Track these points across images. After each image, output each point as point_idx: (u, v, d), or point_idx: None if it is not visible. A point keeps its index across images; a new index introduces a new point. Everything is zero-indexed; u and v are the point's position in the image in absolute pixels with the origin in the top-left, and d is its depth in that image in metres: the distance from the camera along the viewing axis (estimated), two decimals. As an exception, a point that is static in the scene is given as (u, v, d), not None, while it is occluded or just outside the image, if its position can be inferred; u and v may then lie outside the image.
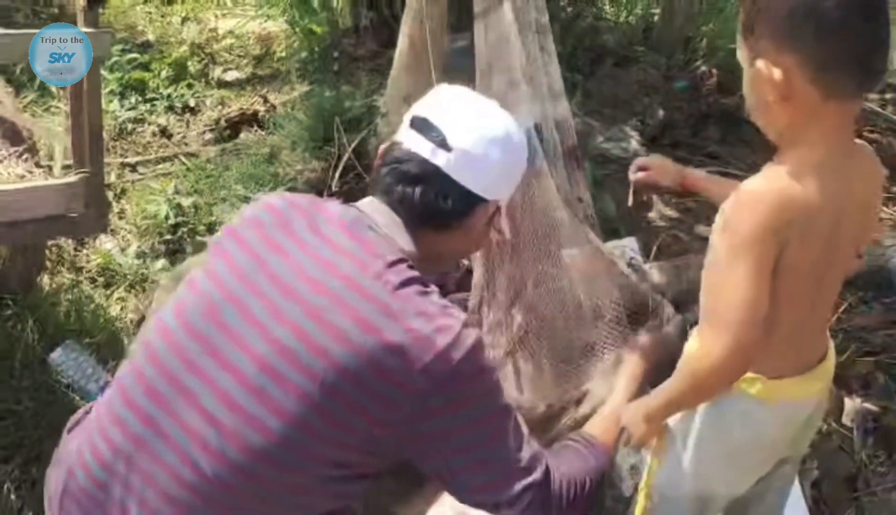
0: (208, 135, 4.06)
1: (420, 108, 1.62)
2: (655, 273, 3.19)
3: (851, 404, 2.65)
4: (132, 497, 1.47)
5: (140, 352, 1.54)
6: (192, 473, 1.43)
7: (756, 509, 1.90)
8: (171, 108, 4.21)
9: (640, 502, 1.90)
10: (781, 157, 1.54)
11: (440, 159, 1.56)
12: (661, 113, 4.44)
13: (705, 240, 3.57)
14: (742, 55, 1.55)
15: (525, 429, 1.59)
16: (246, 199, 3.52)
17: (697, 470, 1.75)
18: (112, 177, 3.65)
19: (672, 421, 1.77)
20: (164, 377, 1.48)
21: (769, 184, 1.50)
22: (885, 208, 3.78)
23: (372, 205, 1.61)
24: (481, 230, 1.66)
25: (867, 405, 2.66)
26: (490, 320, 2.66)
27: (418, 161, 1.56)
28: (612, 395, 1.95)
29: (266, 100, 4.27)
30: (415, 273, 1.51)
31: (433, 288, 1.53)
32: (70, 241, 3.20)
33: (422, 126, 1.58)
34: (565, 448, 1.71)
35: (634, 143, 4.29)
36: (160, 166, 3.80)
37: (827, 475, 2.53)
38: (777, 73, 1.46)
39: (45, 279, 3.04)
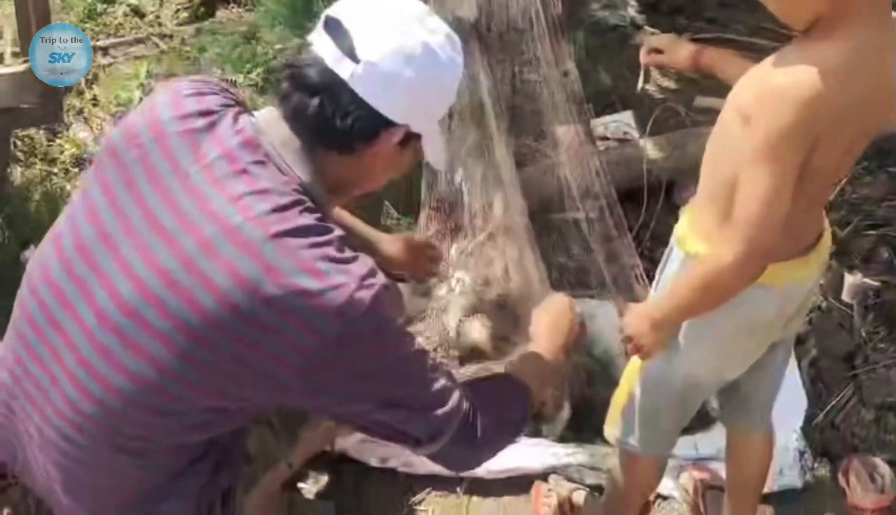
0: (183, 14, 3.86)
1: (338, 7, 1.41)
2: (650, 147, 3.07)
3: (852, 279, 2.58)
4: (33, 427, 1.45)
5: (24, 285, 1.47)
6: (71, 411, 1.39)
7: (748, 389, 1.85)
8: (143, -14, 4.00)
9: (623, 387, 1.87)
10: (813, 45, 1.39)
11: (344, 70, 1.35)
12: (660, -24, 4.22)
13: (705, 112, 3.48)
14: None
15: (443, 370, 1.49)
16: (224, 82, 3.37)
17: (688, 357, 1.70)
18: (83, 62, 3.49)
19: None
20: (44, 314, 1.41)
21: (799, 79, 1.36)
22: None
23: (271, 119, 1.42)
24: (390, 156, 1.46)
25: (867, 280, 2.58)
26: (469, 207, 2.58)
27: (320, 68, 1.36)
28: (534, 338, 1.79)
29: (244, -27, 4.05)
30: (309, 218, 1.35)
31: (332, 234, 1.36)
32: (41, 132, 3.08)
33: (333, 28, 1.38)
34: (488, 387, 1.62)
35: (632, 11, 4.09)
36: (133, 49, 3.63)
37: (825, 353, 2.48)
38: None
39: (17, 172, 2.93)
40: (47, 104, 1.98)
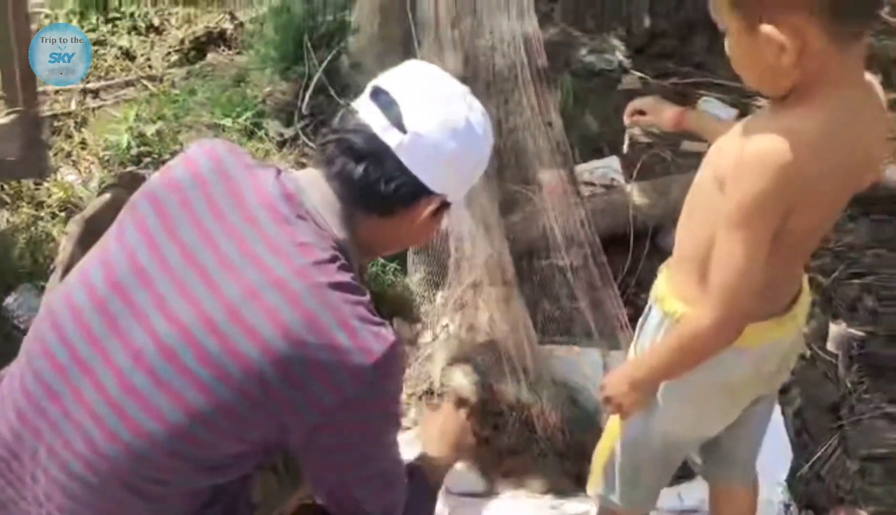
0: (174, 57, 3.88)
1: (384, 79, 1.48)
2: (636, 193, 3.08)
3: (837, 329, 2.58)
4: (39, 470, 1.43)
5: (45, 321, 1.46)
6: (89, 450, 1.39)
7: (729, 444, 1.84)
8: (134, 28, 4.01)
9: (604, 444, 1.86)
10: (788, 112, 1.40)
11: (392, 139, 1.41)
12: (647, 20, 4.26)
13: (691, 156, 3.49)
14: (728, 21, 1.39)
15: (402, 466, 1.58)
16: (212, 126, 3.38)
17: (666, 415, 1.70)
18: (72, 105, 3.51)
19: None
20: (68, 351, 1.41)
21: (772, 148, 1.36)
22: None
23: (310, 178, 1.47)
24: (424, 223, 1.51)
25: (852, 330, 2.58)
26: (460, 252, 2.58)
27: (368, 135, 1.42)
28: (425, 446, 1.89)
29: (234, 17, 4.07)
30: (346, 276, 1.39)
31: (365, 296, 1.41)
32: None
33: (381, 99, 1.44)
34: (417, 485, 1.67)
35: (619, 55, 4.12)
36: (123, 91, 3.65)
37: (810, 403, 2.48)
38: (788, 38, 1.31)
39: (4, 216, 2.93)
40: (31, 156, 1.98)
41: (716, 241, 1.44)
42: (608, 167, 3.37)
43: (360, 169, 1.42)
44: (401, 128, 1.42)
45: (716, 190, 1.46)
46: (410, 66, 1.53)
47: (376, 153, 1.42)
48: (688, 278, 1.59)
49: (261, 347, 1.32)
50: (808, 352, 2.57)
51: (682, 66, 4.10)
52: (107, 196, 1.98)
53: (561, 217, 2.58)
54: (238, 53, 3.90)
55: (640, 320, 1.77)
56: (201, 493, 1.47)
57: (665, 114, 1.93)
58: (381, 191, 1.43)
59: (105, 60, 3.85)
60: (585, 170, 3.35)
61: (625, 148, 2.32)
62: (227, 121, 3.39)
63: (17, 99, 1.95)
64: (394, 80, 1.48)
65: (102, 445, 1.38)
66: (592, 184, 3.20)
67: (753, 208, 1.38)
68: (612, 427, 1.82)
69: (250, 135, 3.37)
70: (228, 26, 4.02)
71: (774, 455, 2.28)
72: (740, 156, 1.40)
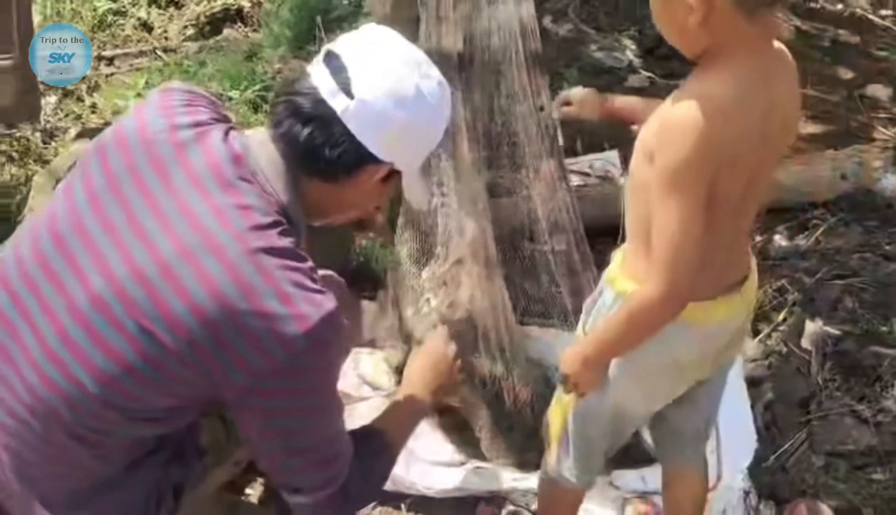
0: (190, 31, 3.97)
1: (339, 43, 1.49)
2: (630, 186, 3.10)
3: (812, 327, 2.60)
4: None
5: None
6: (30, 397, 1.43)
7: (677, 422, 1.86)
8: (154, 1, 4.11)
9: (556, 420, 1.88)
10: (704, 77, 1.45)
11: (339, 104, 1.42)
12: (660, 22, 4.28)
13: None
14: None
15: (345, 429, 1.57)
16: (219, 97, 3.45)
17: (615, 389, 1.73)
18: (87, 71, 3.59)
19: None
20: (12, 300, 1.46)
21: (695, 111, 1.40)
22: (883, 129, 3.66)
23: (259, 139, 1.47)
24: (371, 190, 1.51)
25: (828, 328, 2.60)
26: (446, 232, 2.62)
27: (316, 99, 1.43)
28: (407, 379, 1.90)
29: (252, -5, 4.15)
30: (286, 241, 1.40)
31: (306, 263, 1.41)
32: (38, 134, 3.17)
33: (332, 63, 1.44)
34: (365, 449, 1.65)
35: (629, 54, 4.15)
36: (137, 61, 3.73)
37: (781, 397, 2.50)
38: None
39: (10, 170, 3.01)
40: (24, 102, 2.05)
41: (652, 212, 1.47)
42: (607, 160, 3.40)
43: (305, 132, 1.42)
44: (348, 93, 1.41)
45: (644, 160, 1.50)
46: (368, 30, 1.53)
47: (322, 117, 1.42)
48: (636, 257, 1.62)
49: (190, 307, 1.33)
50: (784, 348, 2.59)
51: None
52: (75, 147, 2.03)
53: (547, 201, 2.61)
54: (253, 31, 3.98)
55: (588, 301, 1.80)
56: (144, 441, 1.50)
57: (589, 105, 1.99)
58: (324, 156, 1.43)
59: (123, 30, 3.94)
60: (585, 161, 3.39)
61: (559, 140, 2.38)
62: (235, 94, 3.46)
63: (14, 46, 2.01)
64: (348, 44, 1.48)
65: (42, 392, 1.42)
66: (588, 175, 3.23)
67: (678, 174, 1.42)
68: (564, 400, 1.85)
69: (256, 108, 3.44)
70: (246, 4, 4.10)
71: (738, 443, 2.30)
72: (662, 125, 1.45)
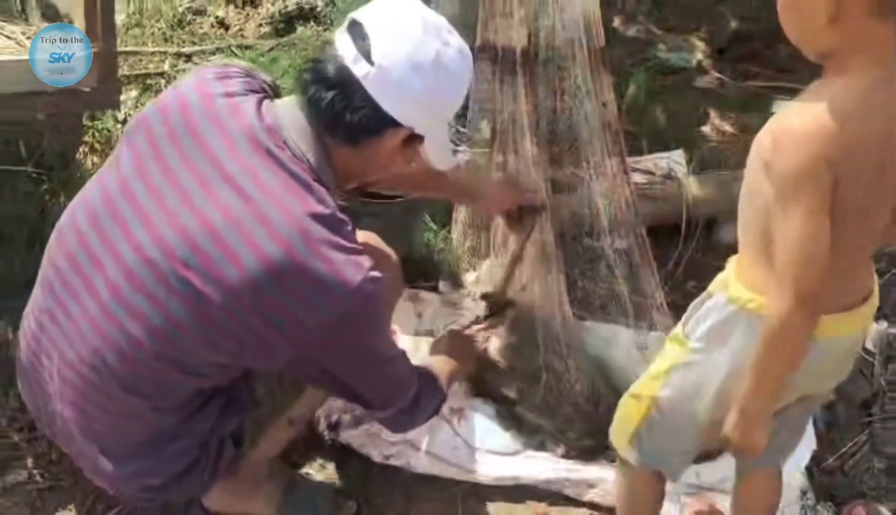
0: (265, 29, 4.07)
1: (363, 12, 1.54)
2: (695, 185, 3.09)
3: (876, 328, 2.54)
4: (54, 369, 1.59)
5: (54, 240, 1.62)
6: (88, 353, 1.53)
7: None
8: (231, 1, 4.22)
9: (640, 405, 1.82)
10: (825, 84, 1.41)
11: (360, 70, 1.47)
12: (732, 23, 4.24)
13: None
14: None
15: (406, 357, 1.72)
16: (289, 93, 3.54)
17: (719, 394, 1.66)
18: (166, 66, 3.71)
19: (699, 341, 1.66)
20: (70, 262, 1.56)
21: (811, 119, 1.37)
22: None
23: (287, 107, 1.54)
24: (391, 155, 1.57)
25: (892, 330, 2.55)
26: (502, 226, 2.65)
27: (338, 65, 1.49)
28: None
29: (326, -5, 4.24)
30: (324, 206, 1.47)
31: (344, 224, 1.49)
32: (119, 125, 3.29)
33: (355, 31, 1.50)
34: (428, 377, 1.83)
35: (699, 55, 4.12)
36: (214, 57, 3.84)
37: (843, 398, 2.46)
38: None
39: (90, 160, 3.13)
40: (106, 89, 2.16)
41: (774, 224, 1.42)
42: (672, 159, 3.38)
43: (328, 97, 1.48)
44: (369, 60, 1.47)
45: (760, 168, 1.45)
46: (389, 2, 1.57)
47: (344, 83, 1.48)
48: (753, 264, 1.57)
49: (241, 275, 1.42)
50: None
51: (765, 69, 4.07)
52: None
53: (608, 197, 2.62)
54: (325, 29, 4.06)
55: (696, 301, 1.73)
56: (201, 393, 1.59)
57: None
58: (346, 121, 1.49)
59: (201, 28, 4.06)
60: (650, 159, 3.38)
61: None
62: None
63: (97, 34, 2.12)
64: (371, 13, 1.53)
65: (100, 348, 1.51)
66: (652, 173, 3.22)
67: (798, 181, 1.38)
68: (650, 389, 1.79)
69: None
70: (319, 3, 4.18)
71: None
72: (777, 131, 1.41)
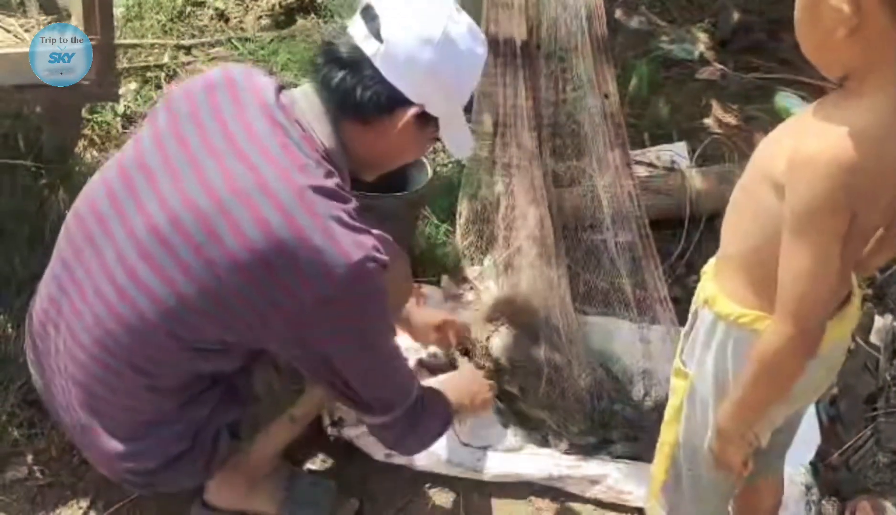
0: (265, 21, 4.04)
1: None
2: (697, 178, 3.08)
3: (882, 322, 2.53)
4: (61, 340, 1.60)
5: (71, 213, 1.64)
6: (95, 326, 1.53)
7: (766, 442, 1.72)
8: (232, -8, 4.20)
9: (660, 462, 1.78)
10: (843, 103, 1.32)
11: (370, 48, 1.49)
12: (735, 15, 4.21)
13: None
14: None
15: (405, 359, 1.68)
16: (289, 85, 3.52)
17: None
18: (165, 59, 3.69)
19: (697, 366, 1.61)
20: (83, 233, 1.57)
21: (832, 145, 1.27)
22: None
23: (304, 90, 1.57)
24: (408, 135, 1.57)
25: (898, 324, 2.54)
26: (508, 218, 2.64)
27: (350, 45, 1.51)
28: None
29: (326, -13, 4.21)
30: (330, 181, 1.47)
31: (349, 202, 1.49)
32: (118, 118, 3.27)
33: (367, 12, 1.52)
34: (434, 395, 1.79)
35: (702, 46, 4.10)
36: (213, 49, 3.82)
37: (847, 392, 2.45)
38: (847, 4, 1.24)
39: (90, 153, 3.12)
40: (104, 81, 2.15)
41: (782, 251, 1.36)
42: (675, 151, 3.37)
43: (339, 76, 1.50)
44: (378, 37, 1.49)
45: (771, 194, 1.39)
46: None
47: (355, 61, 1.50)
48: (734, 277, 1.52)
49: (244, 244, 1.42)
50: (851, 344, 2.53)
51: (767, 61, 4.04)
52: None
53: (610, 190, 2.60)
54: (326, 21, 4.04)
55: (686, 329, 1.69)
56: (201, 378, 1.58)
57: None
58: (356, 98, 1.50)
59: (201, 20, 4.03)
60: (652, 152, 3.37)
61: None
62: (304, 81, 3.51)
63: (95, 28, 2.10)
64: None
65: (107, 321, 1.52)
66: (654, 166, 3.21)
67: (814, 215, 1.31)
68: (667, 440, 1.74)
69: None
70: (320, -5, 4.16)
71: (802, 438, 2.23)
72: (798, 157, 1.32)
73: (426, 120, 1.57)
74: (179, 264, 1.46)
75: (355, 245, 1.45)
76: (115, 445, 1.63)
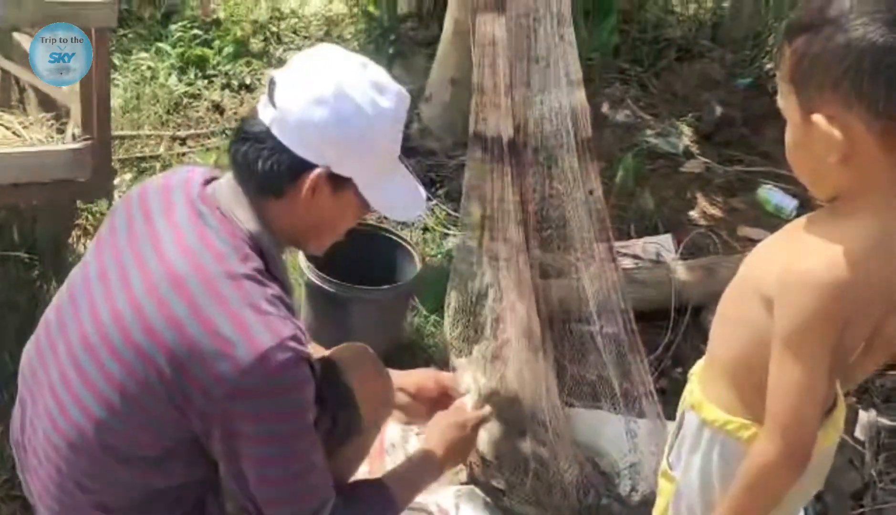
0: (259, 113, 4.14)
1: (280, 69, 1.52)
2: (682, 270, 3.12)
3: (866, 417, 2.55)
4: (30, 441, 1.58)
5: (42, 320, 1.63)
6: (43, 440, 1.52)
7: None
8: (227, 85, 4.31)
9: None
10: (836, 219, 1.33)
11: (267, 116, 1.45)
12: (718, 110, 4.33)
13: (746, 241, 3.50)
14: (787, 107, 1.34)
15: (323, 467, 1.52)
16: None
17: None
18: (161, 150, 3.77)
19: (683, 470, 1.59)
20: (38, 346, 1.58)
21: (823, 263, 1.29)
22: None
23: (226, 177, 1.53)
24: (321, 199, 1.48)
25: (882, 419, 2.55)
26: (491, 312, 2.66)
27: (253, 119, 1.47)
28: (426, 441, 1.90)
29: (319, 81, 4.32)
30: (247, 267, 1.42)
31: (268, 288, 1.42)
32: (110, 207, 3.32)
33: (270, 81, 1.48)
34: (361, 497, 1.64)
35: (686, 140, 4.20)
36: (209, 141, 3.90)
37: (832, 488, 2.44)
38: (838, 132, 1.25)
39: (83, 243, 3.16)
40: (99, 180, 2.19)
41: (771, 363, 1.36)
42: (660, 243, 3.43)
43: (242, 150, 1.46)
44: (273, 104, 1.44)
45: (760, 307, 1.39)
46: (307, 51, 1.55)
47: (257, 134, 1.45)
48: (721, 383, 1.52)
49: (154, 340, 1.38)
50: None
51: (750, 154, 4.14)
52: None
53: (595, 283, 2.64)
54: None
55: (674, 429, 1.67)
56: (163, 494, 1.53)
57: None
58: (259, 170, 1.44)
59: (197, 111, 4.13)
60: (638, 244, 3.42)
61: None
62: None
63: (92, 126, 2.15)
64: (290, 64, 1.51)
65: (52, 436, 1.50)
66: (639, 258, 3.25)
67: (808, 330, 1.31)
68: None
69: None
70: (313, 89, 4.26)
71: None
72: (786, 274, 1.33)
73: (338, 181, 1.48)
74: (104, 373, 1.42)
75: (266, 332, 1.37)
76: None
